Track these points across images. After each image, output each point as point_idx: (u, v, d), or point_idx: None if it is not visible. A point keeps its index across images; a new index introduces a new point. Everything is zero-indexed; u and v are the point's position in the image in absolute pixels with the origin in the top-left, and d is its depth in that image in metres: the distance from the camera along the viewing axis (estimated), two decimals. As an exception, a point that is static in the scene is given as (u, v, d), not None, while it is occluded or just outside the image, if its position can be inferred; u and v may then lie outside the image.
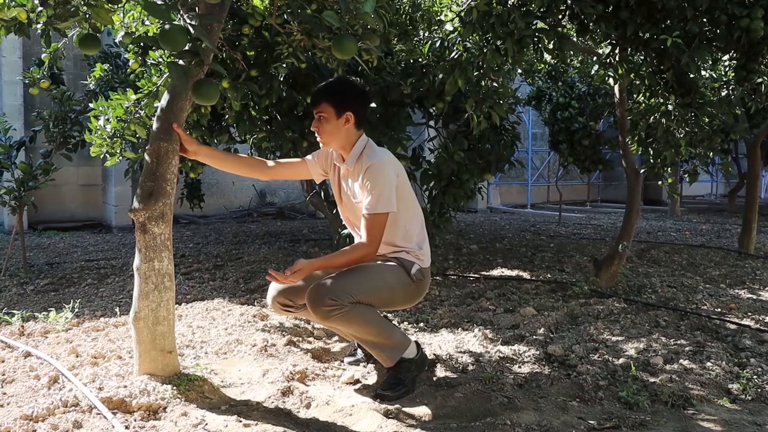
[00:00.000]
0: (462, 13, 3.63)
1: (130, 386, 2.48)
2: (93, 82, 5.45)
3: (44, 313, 3.85)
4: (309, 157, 3.06)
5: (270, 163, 3.04)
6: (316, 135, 2.83)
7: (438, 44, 4.10)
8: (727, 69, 4.66)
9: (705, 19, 3.40)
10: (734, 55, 3.61)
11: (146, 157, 2.57)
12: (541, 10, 3.50)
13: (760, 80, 4.09)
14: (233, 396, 2.67)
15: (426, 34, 4.51)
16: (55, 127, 5.46)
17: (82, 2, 2.49)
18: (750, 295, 4.79)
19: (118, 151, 3.21)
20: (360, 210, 2.77)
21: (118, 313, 4.00)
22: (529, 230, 8.98)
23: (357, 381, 2.92)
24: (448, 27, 3.89)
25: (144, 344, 2.56)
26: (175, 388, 2.51)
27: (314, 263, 2.69)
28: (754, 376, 2.98)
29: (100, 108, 3.05)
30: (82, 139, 5.46)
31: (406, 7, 4.45)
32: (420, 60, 4.48)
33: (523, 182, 14.09)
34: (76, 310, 4.01)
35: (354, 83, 2.89)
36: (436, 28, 4.43)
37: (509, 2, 3.51)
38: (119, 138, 3.11)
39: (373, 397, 2.71)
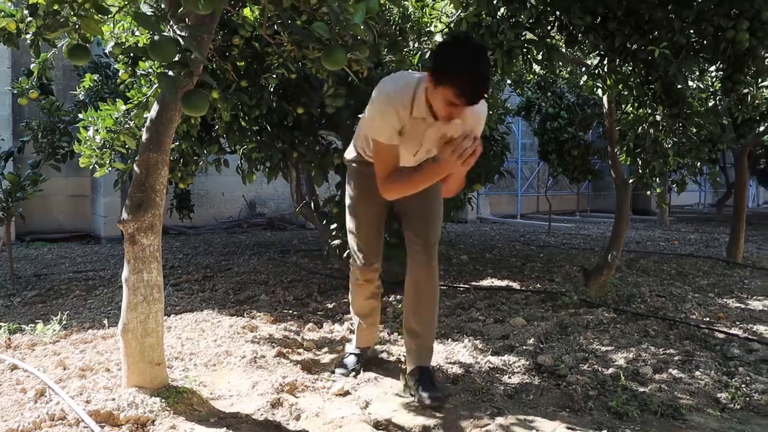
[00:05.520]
0: (451, 24, 3.65)
1: (118, 399, 2.46)
2: (82, 93, 5.44)
3: (31, 325, 3.81)
4: (394, 141, 2.69)
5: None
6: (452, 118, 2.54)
7: (428, 55, 4.12)
8: (714, 80, 4.72)
9: (692, 31, 3.44)
10: (721, 66, 3.65)
11: (135, 167, 2.56)
12: (530, 21, 3.53)
13: (746, 91, 4.15)
14: (222, 408, 2.65)
15: (416, 45, 4.53)
16: (43, 138, 5.45)
17: (72, 13, 2.48)
18: (738, 304, 4.82)
19: (108, 162, 3.21)
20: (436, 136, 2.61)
21: (107, 324, 3.97)
22: (519, 240, 9.00)
23: (347, 393, 2.90)
24: (438, 38, 3.91)
25: (132, 356, 2.55)
26: (163, 400, 2.49)
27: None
28: (743, 385, 2.99)
29: (90, 118, 3.05)
30: (71, 150, 5.44)
31: (396, 18, 4.47)
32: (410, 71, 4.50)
33: (512, 192, 14.15)
34: (64, 322, 3.98)
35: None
36: (426, 39, 4.45)
37: (498, 14, 3.54)
38: (108, 149, 3.11)
39: (430, 403, 2.70)
